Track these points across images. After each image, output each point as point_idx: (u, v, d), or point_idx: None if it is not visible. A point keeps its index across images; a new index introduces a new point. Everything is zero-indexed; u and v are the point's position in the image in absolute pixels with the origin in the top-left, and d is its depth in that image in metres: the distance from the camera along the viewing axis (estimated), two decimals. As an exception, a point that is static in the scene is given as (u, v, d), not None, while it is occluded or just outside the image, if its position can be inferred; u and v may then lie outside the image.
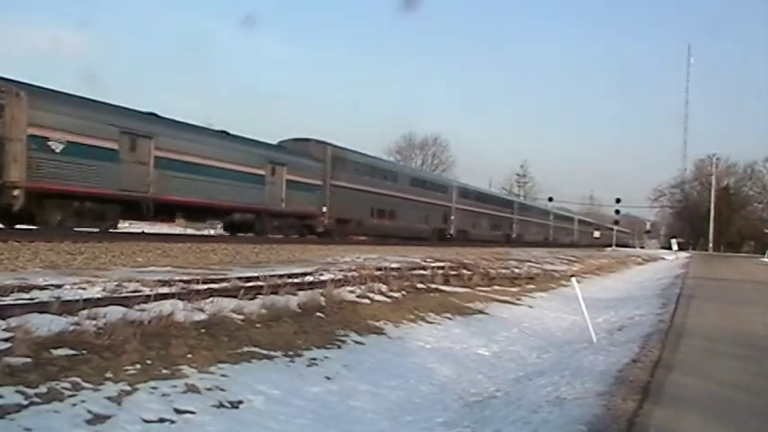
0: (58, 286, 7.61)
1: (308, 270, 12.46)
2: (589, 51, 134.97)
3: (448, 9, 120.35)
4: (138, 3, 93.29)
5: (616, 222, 69.74)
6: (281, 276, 10.29)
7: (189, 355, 5.61)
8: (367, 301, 9.80)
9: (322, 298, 8.94)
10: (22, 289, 7.09)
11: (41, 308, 5.87)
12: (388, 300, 10.26)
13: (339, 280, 10.92)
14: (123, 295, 7.33)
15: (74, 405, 4.25)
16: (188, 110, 75.22)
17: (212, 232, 25.50)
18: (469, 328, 10.09)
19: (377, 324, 8.66)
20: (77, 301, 6.25)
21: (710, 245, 74.62)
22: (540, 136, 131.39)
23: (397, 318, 9.30)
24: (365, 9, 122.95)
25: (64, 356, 4.89)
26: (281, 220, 23.58)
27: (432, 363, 7.67)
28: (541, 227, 63.41)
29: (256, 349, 6.32)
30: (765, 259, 47.94)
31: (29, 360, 4.66)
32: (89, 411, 4.22)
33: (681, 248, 59.13)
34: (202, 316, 6.75)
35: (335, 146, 28.14)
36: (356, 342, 7.65)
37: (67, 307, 5.92)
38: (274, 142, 26.70)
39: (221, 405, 4.95)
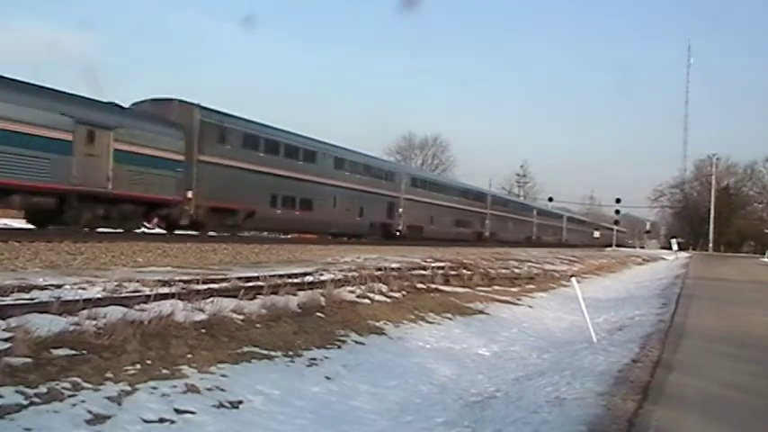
0: (58, 286, 7.61)
1: (308, 270, 12.46)
2: (589, 51, 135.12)
3: (448, 9, 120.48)
4: (139, 3, 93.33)
5: (616, 222, 69.76)
6: (281, 276, 10.29)
7: (189, 355, 5.61)
8: (367, 301, 9.79)
9: (322, 298, 8.93)
10: (22, 289, 7.09)
11: (41, 308, 5.87)
12: (389, 300, 10.25)
13: (339, 280, 10.92)
14: (123, 295, 7.33)
15: (74, 405, 4.25)
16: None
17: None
18: (469, 328, 10.09)
19: (377, 324, 8.65)
20: (77, 301, 6.24)
21: (710, 245, 74.59)
22: (540, 136, 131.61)
23: (397, 318, 9.30)
24: (365, 9, 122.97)
25: (64, 356, 4.88)
26: (107, 206, 17.20)
27: (432, 363, 7.67)
28: (522, 224, 56.93)
29: (256, 349, 6.32)
30: (765, 259, 47.94)
31: (29, 360, 4.66)
32: (89, 411, 4.22)
33: (681, 248, 59.10)
34: (202, 316, 6.74)
35: (209, 109, 21.05)
36: (356, 342, 7.65)
37: (67, 307, 5.92)
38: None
39: (221, 405, 4.95)
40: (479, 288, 14.17)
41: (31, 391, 4.24)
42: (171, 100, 20.68)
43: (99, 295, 7.09)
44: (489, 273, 17.53)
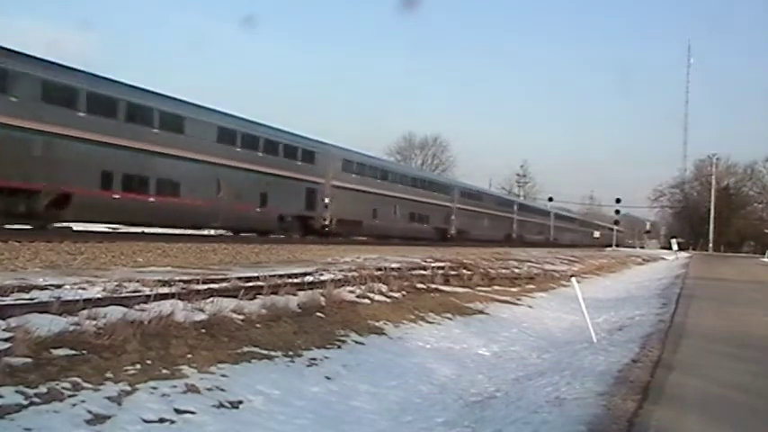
0: (58, 286, 7.61)
1: (308, 270, 12.47)
2: (589, 51, 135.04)
3: (448, 9, 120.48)
4: (139, 2, 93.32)
5: (616, 222, 69.75)
6: (281, 276, 10.29)
7: (189, 355, 5.61)
8: (367, 301, 9.79)
9: (322, 298, 8.94)
10: (22, 289, 7.10)
11: (41, 308, 5.87)
12: (388, 300, 10.25)
13: (339, 280, 10.92)
14: (123, 295, 7.33)
15: (74, 405, 4.25)
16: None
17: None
18: (469, 328, 10.09)
19: (377, 324, 8.65)
20: (77, 301, 6.24)
21: (710, 245, 74.61)
22: (539, 136, 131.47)
23: (397, 318, 9.30)
24: (365, 9, 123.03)
25: (64, 356, 4.88)
26: None
27: (432, 363, 7.66)
28: (499, 221, 50.12)
29: (256, 349, 6.32)
30: (765, 259, 47.94)
31: (29, 360, 4.66)
32: (89, 411, 4.22)
33: (681, 248, 59.09)
34: (202, 316, 6.74)
35: None
36: (356, 342, 7.65)
37: (67, 307, 5.92)
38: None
39: (221, 405, 4.95)
40: (479, 288, 14.17)
41: (31, 391, 4.24)
42: None
43: (99, 295, 7.10)
44: (489, 273, 17.54)
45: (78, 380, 4.57)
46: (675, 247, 56.46)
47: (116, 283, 8.01)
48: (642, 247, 79.43)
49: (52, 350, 4.93)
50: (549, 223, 64.94)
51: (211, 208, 20.87)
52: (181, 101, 20.60)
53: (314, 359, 6.62)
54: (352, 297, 9.71)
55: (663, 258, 47.29)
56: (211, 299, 7.43)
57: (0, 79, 14.93)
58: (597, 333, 9.57)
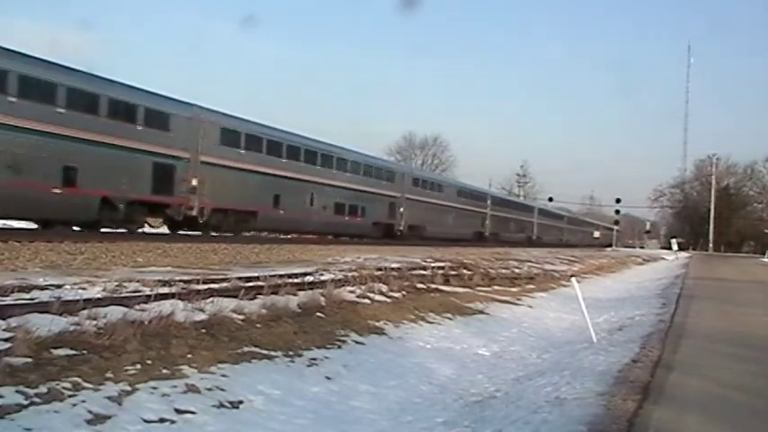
0: (59, 286, 7.61)
1: (309, 270, 12.46)
2: (589, 51, 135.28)
3: (448, 9, 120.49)
4: (139, 2, 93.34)
5: (616, 222, 69.72)
6: (281, 276, 10.29)
7: (189, 355, 5.61)
8: (367, 301, 9.80)
9: (322, 298, 8.94)
10: (22, 289, 7.09)
11: (42, 308, 5.87)
12: (389, 300, 10.25)
13: (339, 280, 10.93)
14: (123, 295, 7.33)
15: (74, 405, 4.25)
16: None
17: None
18: (469, 328, 10.09)
19: (377, 324, 8.66)
20: (77, 301, 6.24)
21: (710, 245, 74.62)
22: (539, 136, 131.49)
23: (397, 318, 9.30)
24: (365, 9, 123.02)
25: (64, 356, 4.89)
26: None
27: (432, 363, 7.67)
28: (466, 216, 43.07)
29: (257, 349, 6.32)
30: (765, 259, 47.94)
31: (29, 360, 4.66)
32: (89, 411, 4.22)
33: (681, 248, 59.10)
34: (203, 316, 6.75)
35: None
36: (356, 342, 7.65)
37: (68, 307, 5.92)
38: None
39: (221, 405, 4.95)
40: (479, 288, 14.18)
41: (31, 391, 4.24)
42: None
43: (99, 295, 7.10)
44: (489, 273, 17.54)
45: (78, 380, 4.57)
46: (675, 247, 56.46)
47: (116, 283, 8.01)
48: (642, 247, 79.42)
49: (52, 350, 4.93)
50: (532, 220, 59.26)
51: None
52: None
53: (314, 359, 6.62)
54: (352, 297, 9.72)
55: (663, 258, 47.30)
56: (211, 299, 7.43)
57: None
58: (597, 333, 9.57)
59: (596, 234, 74.28)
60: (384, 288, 10.82)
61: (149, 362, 5.22)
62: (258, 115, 31.22)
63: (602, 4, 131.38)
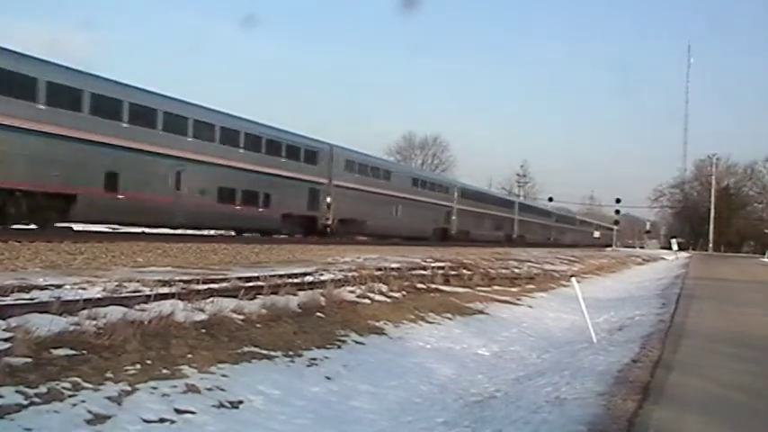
0: (58, 286, 7.60)
1: (308, 270, 12.45)
2: (589, 51, 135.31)
3: (448, 9, 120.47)
4: (139, 2, 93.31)
5: (616, 222, 69.67)
6: (281, 276, 10.29)
7: (189, 355, 5.61)
8: (367, 301, 9.79)
9: (322, 298, 8.93)
10: (22, 289, 7.09)
11: (41, 308, 5.87)
12: (389, 300, 10.25)
13: (339, 280, 10.92)
14: (123, 295, 7.33)
15: (74, 405, 4.25)
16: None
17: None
18: (469, 328, 10.09)
19: (377, 324, 8.65)
20: (77, 301, 6.24)
21: (710, 245, 74.61)
22: (539, 136, 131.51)
23: (397, 318, 9.30)
24: (365, 9, 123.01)
25: (64, 356, 4.89)
26: None
27: (432, 363, 7.66)
28: (423, 210, 36.42)
29: (256, 349, 6.32)
30: (765, 259, 47.94)
31: (29, 360, 4.66)
32: (89, 411, 4.22)
33: (681, 248, 59.07)
34: (202, 316, 6.74)
35: None
36: (356, 342, 7.65)
37: (67, 307, 5.92)
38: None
39: (221, 405, 4.95)
40: (479, 288, 14.17)
41: (31, 391, 4.24)
42: None
43: (99, 295, 7.10)
44: (489, 273, 17.54)
45: (78, 380, 4.57)
46: (675, 247, 56.44)
47: (116, 283, 8.01)
48: (642, 247, 79.40)
49: (52, 350, 4.93)
50: (511, 216, 53.47)
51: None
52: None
53: (314, 359, 6.62)
54: (352, 297, 9.71)
55: (663, 258, 47.29)
56: (211, 299, 7.43)
57: None
58: (597, 333, 9.57)
59: (596, 234, 74.15)
60: (384, 288, 10.82)
61: (149, 362, 5.22)
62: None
63: (602, 4, 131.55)
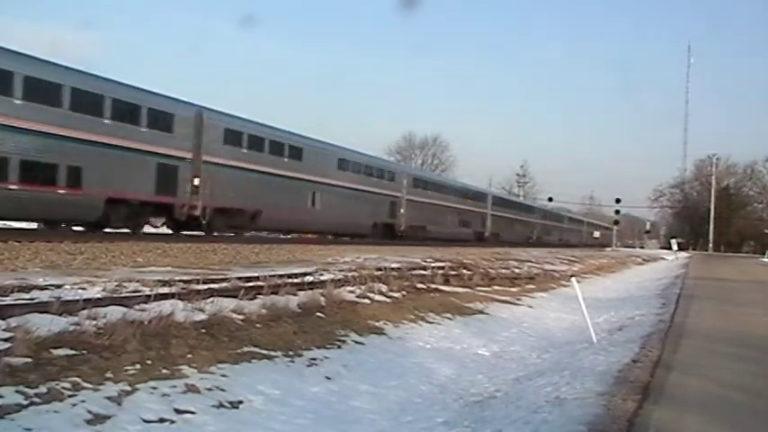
0: (58, 286, 7.60)
1: (308, 270, 12.45)
2: (589, 51, 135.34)
3: (448, 9, 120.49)
4: (139, 2, 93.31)
5: (616, 222, 69.68)
6: (281, 276, 10.28)
7: (189, 355, 5.61)
8: (367, 301, 9.79)
9: (322, 298, 8.93)
10: (22, 289, 7.08)
11: (41, 308, 5.87)
12: (388, 300, 10.25)
13: (339, 280, 10.92)
14: (123, 295, 7.32)
15: (74, 405, 4.25)
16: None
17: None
18: (469, 328, 10.09)
19: (377, 324, 8.65)
20: (77, 301, 6.24)
21: (710, 245, 74.61)
22: (539, 136, 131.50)
23: (397, 318, 9.30)
24: (365, 9, 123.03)
25: (64, 356, 4.88)
26: None
27: (432, 363, 7.66)
28: (357, 201, 29.25)
29: (256, 349, 6.32)
30: (765, 259, 47.94)
31: (29, 360, 4.66)
32: (89, 411, 4.22)
33: (681, 248, 59.08)
34: (202, 316, 6.74)
35: None
36: (356, 342, 7.65)
37: (67, 307, 5.92)
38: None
39: (221, 405, 4.95)
40: (479, 288, 14.17)
41: (31, 391, 4.24)
42: None
43: (99, 295, 7.09)
44: (489, 273, 17.54)
45: (78, 380, 4.57)
46: (675, 247, 56.45)
47: (116, 283, 8.00)
48: (642, 247, 79.38)
49: (52, 350, 4.93)
50: (484, 211, 46.15)
51: None
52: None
53: (314, 359, 6.62)
54: (352, 297, 9.71)
55: (663, 258, 47.28)
56: (211, 299, 7.43)
57: None
58: (597, 333, 9.57)
59: (596, 234, 74.13)
60: (384, 288, 10.82)
61: (149, 362, 5.21)
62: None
63: (602, 4, 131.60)
